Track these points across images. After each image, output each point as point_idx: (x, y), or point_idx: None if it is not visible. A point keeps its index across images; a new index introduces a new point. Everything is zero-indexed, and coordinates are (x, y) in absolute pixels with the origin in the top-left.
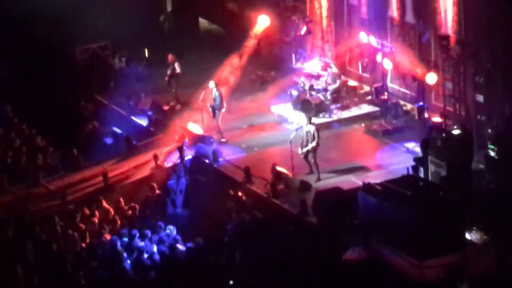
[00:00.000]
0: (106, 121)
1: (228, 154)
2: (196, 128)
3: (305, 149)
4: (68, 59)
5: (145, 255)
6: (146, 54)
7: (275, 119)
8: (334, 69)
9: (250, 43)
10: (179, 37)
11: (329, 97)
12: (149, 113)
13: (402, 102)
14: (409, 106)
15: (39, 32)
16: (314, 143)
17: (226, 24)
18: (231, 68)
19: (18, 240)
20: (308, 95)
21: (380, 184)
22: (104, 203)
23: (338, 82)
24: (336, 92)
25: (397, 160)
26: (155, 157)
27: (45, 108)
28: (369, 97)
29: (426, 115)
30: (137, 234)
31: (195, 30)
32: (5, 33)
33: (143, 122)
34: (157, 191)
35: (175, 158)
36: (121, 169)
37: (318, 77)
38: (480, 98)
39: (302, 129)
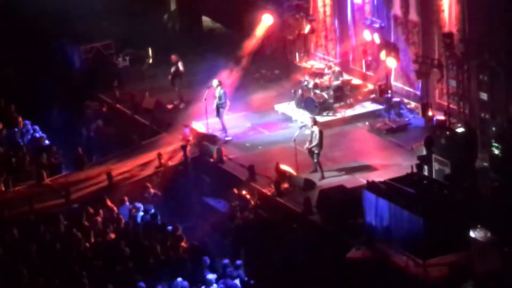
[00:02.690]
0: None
1: (232, 153)
2: (200, 127)
3: (309, 146)
4: (72, 58)
5: None
6: (150, 53)
7: (279, 118)
8: (337, 67)
9: (254, 42)
10: (182, 36)
11: (332, 95)
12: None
13: (406, 100)
14: (413, 104)
15: (42, 31)
16: (316, 144)
17: (229, 23)
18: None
19: (23, 240)
20: (311, 94)
21: (384, 182)
22: (109, 202)
23: (340, 79)
24: (340, 90)
25: (401, 158)
26: (159, 156)
27: (49, 107)
28: (373, 96)
29: (430, 113)
30: None
31: (198, 29)
32: (9, 32)
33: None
34: (152, 190)
35: (179, 157)
36: (125, 168)
37: (321, 75)
38: (484, 96)
39: (307, 128)
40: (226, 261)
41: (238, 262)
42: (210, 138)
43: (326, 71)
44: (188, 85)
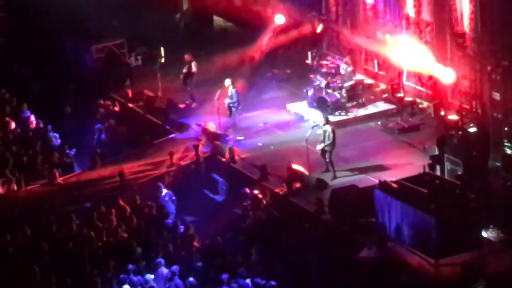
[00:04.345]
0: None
1: (244, 152)
2: (212, 126)
3: (321, 146)
4: (84, 57)
5: None
6: (162, 52)
7: (291, 117)
8: (349, 67)
9: (266, 41)
10: (194, 35)
11: (344, 95)
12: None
13: (418, 100)
14: (425, 104)
15: (55, 31)
16: (329, 143)
17: (241, 23)
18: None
19: (35, 239)
20: (324, 93)
21: (396, 182)
22: (121, 202)
23: (353, 79)
24: (352, 90)
25: (413, 158)
26: (171, 155)
27: (61, 106)
28: (385, 95)
29: (442, 113)
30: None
31: (210, 29)
32: (22, 32)
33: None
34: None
35: (191, 156)
36: (137, 167)
37: (334, 75)
38: (496, 95)
39: (319, 127)
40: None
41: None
42: (222, 138)
43: (338, 70)
44: (200, 85)
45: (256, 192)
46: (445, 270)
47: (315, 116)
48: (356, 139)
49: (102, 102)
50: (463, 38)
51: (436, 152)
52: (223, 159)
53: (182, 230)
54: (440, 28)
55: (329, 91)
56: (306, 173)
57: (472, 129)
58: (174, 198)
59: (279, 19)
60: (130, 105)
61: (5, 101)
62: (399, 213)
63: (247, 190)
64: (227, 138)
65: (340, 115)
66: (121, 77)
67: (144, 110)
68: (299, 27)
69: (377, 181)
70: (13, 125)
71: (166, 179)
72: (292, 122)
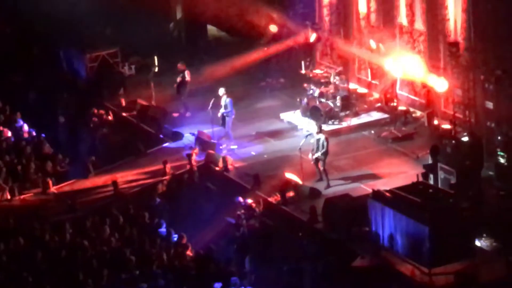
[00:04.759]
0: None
1: (237, 161)
2: (205, 135)
3: (315, 155)
4: (78, 66)
5: None
6: (156, 62)
7: (284, 126)
8: (343, 76)
9: (260, 50)
10: (188, 44)
11: (338, 104)
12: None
13: (411, 109)
14: (418, 113)
15: (48, 39)
16: (323, 152)
17: (235, 32)
18: None
19: (28, 248)
20: (317, 102)
21: (389, 191)
22: (114, 210)
23: (346, 88)
24: (346, 99)
25: (406, 167)
26: (164, 164)
27: (55, 115)
28: (379, 104)
29: (435, 122)
30: None
31: (204, 37)
32: (15, 40)
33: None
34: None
35: (184, 165)
36: (130, 176)
37: (327, 84)
38: (489, 104)
39: (312, 136)
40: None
41: None
42: (215, 147)
43: (331, 79)
44: (194, 94)
45: (249, 201)
46: (439, 279)
47: (308, 125)
48: (350, 148)
49: (95, 111)
50: (456, 47)
51: (430, 161)
52: (217, 168)
53: (175, 239)
54: (433, 37)
55: (323, 100)
56: (300, 182)
57: (465, 138)
58: (167, 207)
59: (273, 28)
60: (123, 114)
61: None
62: (392, 222)
63: (241, 199)
64: (221, 147)
65: (333, 124)
66: (114, 86)
67: (138, 119)
68: (293, 36)
69: (370, 190)
70: (9, 133)
71: (159, 188)
72: (286, 131)
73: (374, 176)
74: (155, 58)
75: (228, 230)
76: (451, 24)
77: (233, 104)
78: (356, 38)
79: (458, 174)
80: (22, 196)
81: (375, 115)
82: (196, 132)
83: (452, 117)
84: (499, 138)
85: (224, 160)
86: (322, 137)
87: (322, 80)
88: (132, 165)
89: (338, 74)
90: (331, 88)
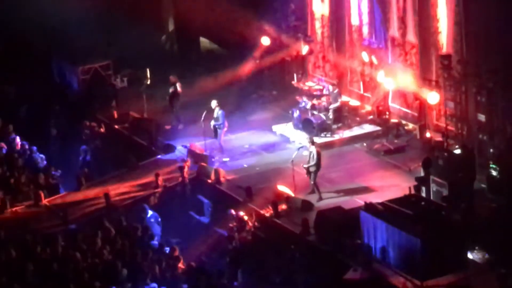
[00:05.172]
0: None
1: (229, 174)
2: (197, 148)
3: (306, 166)
4: (70, 78)
5: None
6: (148, 74)
7: (276, 139)
8: (335, 89)
9: (252, 63)
10: (180, 56)
11: (330, 117)
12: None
13: (403, 122)
14: (410, 126)
15: (41, 51)
16: (313, 164)
17: (227, 44)
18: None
19: (20, 260)
20: (309, 115)
21: (382, 203)
22: (106, 223)
23: (339, 101)
24: (338, 111)
25: (399, 179)
26: (157, 177)
27: (47, 127)
28: (371, 117)
29: (428, 134)
30: None
31: (196, 50)
32: (8, 52)
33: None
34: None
35: (176, 177)
36: (122, 188)
37: (319, 96)
38: (481, 117)
39: (305, 149)
40: None
41: None
42: (208, 159)
43: (324, 92)
44: (186, 106)
45: (241, 213)
46: None
47: (300, 138)
48: (342, 160)
49: (87, 123)
50: (448, 59)
51: (422, 174)
52: (209, 181)
53: (167, 251)
54: (425, 49)
55: (315, 112)
56: (292, 194)
57: (458, 151)
58: (159, 219)
59: (265, 41)
60: (115, 126)
61: None
62: (384, 234)
63: (233, 212)
64: (213, 159)
65: (325, 136)
66: (106, 98)
67: (130, 131)
68: (285, 49)
69: (362, 203)
70: (4, 147)
71: (151, 201)
72: (278, 144)
73: (366, 189)
74: (147, 70)
75: (220, 243)
76: (443, 37)
77: (225, 116)
78: (348, 51)
79: (450, 187)
80: (14, 208)
81: (367, 128)
82: (188, 145)
83: (444, 129)
84: (491, 150)
85: (216, 173)
86: (313, 150)
87: (314, 93)
88: (124, 178)
89: (331, 85)
90: (323, 101)
